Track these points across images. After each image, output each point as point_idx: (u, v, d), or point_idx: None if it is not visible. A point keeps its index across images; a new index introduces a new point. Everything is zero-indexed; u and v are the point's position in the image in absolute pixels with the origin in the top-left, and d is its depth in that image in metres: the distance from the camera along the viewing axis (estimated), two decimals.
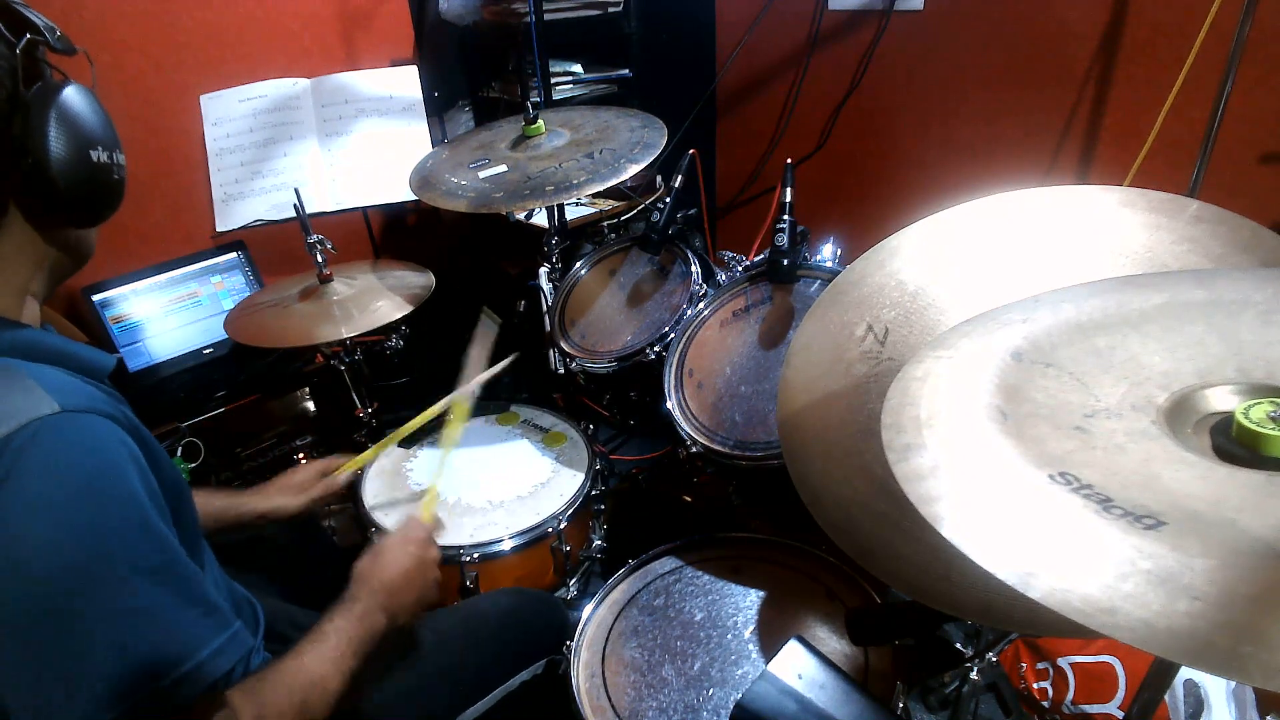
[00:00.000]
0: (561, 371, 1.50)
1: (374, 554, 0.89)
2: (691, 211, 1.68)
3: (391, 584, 0.86)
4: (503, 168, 1.40)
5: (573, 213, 1.96)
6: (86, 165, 0.64)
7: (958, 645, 1.24)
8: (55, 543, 0.55)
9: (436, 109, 1.99)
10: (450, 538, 1.20)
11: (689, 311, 1.33)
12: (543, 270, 1.56)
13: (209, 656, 0.61)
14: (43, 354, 0.63)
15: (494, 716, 0.98)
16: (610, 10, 1.97)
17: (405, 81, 1.80)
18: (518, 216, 1.98)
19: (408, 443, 1.44)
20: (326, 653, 0.74)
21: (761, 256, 1.30)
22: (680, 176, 1.41)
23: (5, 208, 0.62)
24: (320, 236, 1.40)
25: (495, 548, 1.18)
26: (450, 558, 1.17)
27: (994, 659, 1.17)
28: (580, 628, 1.06)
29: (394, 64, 1.94)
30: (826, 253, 1.31)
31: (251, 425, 1.71)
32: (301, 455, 1.74)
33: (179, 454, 1.55)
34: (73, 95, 0.64)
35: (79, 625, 0.55)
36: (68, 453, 0.57)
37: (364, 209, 1.85)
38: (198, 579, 0.64)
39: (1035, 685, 1.25)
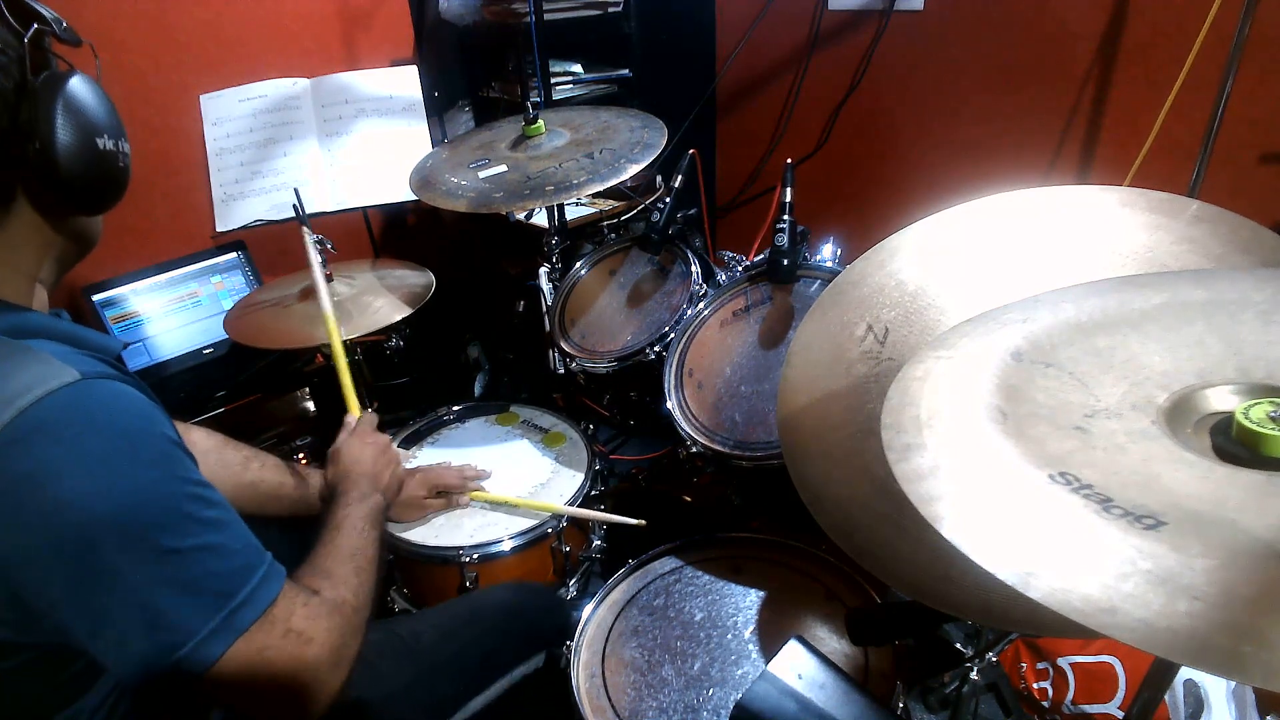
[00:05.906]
0: (561, 371, 1.50)
1: (337, 461, 1.00)
2: (691, 211, 1.67)
3: (368, 472, 0.98)
4: (503, 168, 1.40)
5: (573, 213, 1.96)
6: (92, 153, 0.65)
7: (958, 645, 1.23)
8: (98, 493, 0.57)
9: (436, 109, 1.99)
10: (450, 538, 1.20)
11: (689, 311, 1.33)
12: (543, 270, 1.56)
13: (264, 576, 0.65)
14: (55, 337, 0.64)
15: (496, 709, 0.99)
16: (610, 10, 1.97)
17: (405, 81, 1.80)
18: (518, 216, 1.98)
19: (409, 443, 1.44)
20: (350, 530, 0.84)
21: (761, 256, 1.30)
22: (680, 176, 1.41)
23: (13, 194, 0.63)
24: (320, 236, 1.39)
25: (495, 548, 1.18)
26: (450, 558, 1.17)
27: (994, 659, 1.17)
28: (580, 628, 1.06)
29: (394, 64, 1.93)
30: (826, 253, 1.31)
31: (251, 425, 1.70)
32: (302, 455, 1.74)
33: None
34: (79, 84, 0.65)
35: (143, 568, 0.58)
36: (97, 410, 0.59)
37: (364, 209, 1.85)
38: (238, 519, 0.67)
39: (1035, 685, 1.25)
